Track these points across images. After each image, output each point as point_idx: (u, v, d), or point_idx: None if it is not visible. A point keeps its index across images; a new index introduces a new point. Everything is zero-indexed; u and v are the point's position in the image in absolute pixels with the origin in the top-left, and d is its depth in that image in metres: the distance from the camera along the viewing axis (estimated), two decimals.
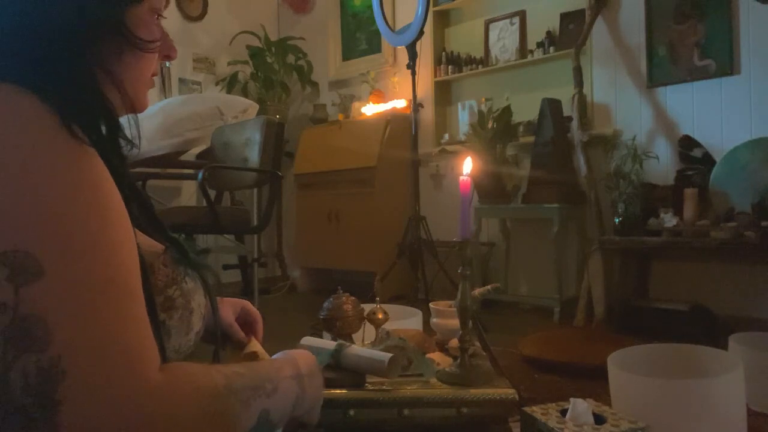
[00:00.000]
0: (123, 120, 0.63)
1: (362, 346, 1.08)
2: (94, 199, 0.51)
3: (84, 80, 0.56)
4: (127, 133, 0.63)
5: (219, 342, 0.80)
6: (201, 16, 4.07)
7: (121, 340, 0.48)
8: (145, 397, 0.48)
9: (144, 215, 0.67)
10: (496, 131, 2.95)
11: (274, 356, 0.74)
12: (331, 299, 1.16)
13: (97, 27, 0.58)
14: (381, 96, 3.77)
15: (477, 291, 1.10)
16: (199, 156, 3.28)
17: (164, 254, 0.64)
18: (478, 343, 1.18)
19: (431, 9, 3.27)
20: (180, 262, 0.65)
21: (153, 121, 2.92)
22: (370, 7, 3.54)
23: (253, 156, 2.77)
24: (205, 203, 2.53)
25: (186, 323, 0.64)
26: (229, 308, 0.95)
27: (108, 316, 0.48)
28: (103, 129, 0.58)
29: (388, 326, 1.17)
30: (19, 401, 0.45)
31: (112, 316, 0.49)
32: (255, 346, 0.93)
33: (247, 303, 0.99)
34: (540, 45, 3.18)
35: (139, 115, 0.66)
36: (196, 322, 0.66)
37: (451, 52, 3.61)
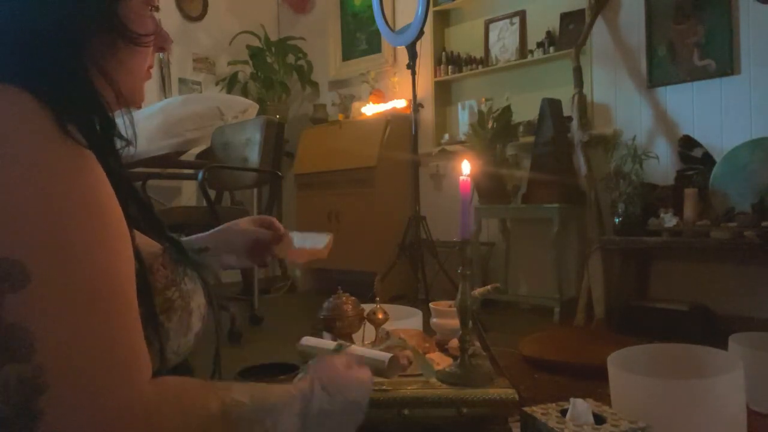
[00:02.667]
0: (119, 121, 0.62)
1: (362, 346, 1.07)
2: (87, 204, 0.49)
3: (78, 77, 0.55)
4: (123, 132, 0.62)
5: (219, 341, 0.79)
6: (201, 16, 4.07)
7: (108, 353, 0.47)
8: (129, 412, 0.47)
9: (142, 215, 0.66)
10: (496, 131, 2.95)
11: (300, 375, 0.69)
12: (331, 299, 1.16)
13: (90, 22, 0.57)
14: (381, 96, 3.77)
15: (477, 291, 1.10)
16: (199, 156, 3.28)
17: (163, 255, 0.63)
18: (478, 343, 1.18)
19: (431, 9, 3.28)
20: (179, 263, 0.65)
21: (153, 121, 2.92)
22: (370, 7, 3.54)
23: (253, 156, 2.77)
24: (205, 203, 2.53)
25: (185, 325, 0.63)
26: (248, 221, 0.97)
27: (96, 327, 0.47)
28: (98, 128, 0.57)
29: (388, 326, 1.17)
30: (1, 411, 0.44)
31: (100, 326, 0.47)
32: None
33: (270, 218, 1.00)
34: (540, 45, 3.18)
35: (139, 115, 0.66)
36: (195, 323, 0.65)
37: (451, 52, 3.61)
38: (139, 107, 0.68)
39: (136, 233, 0.59)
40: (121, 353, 0.48)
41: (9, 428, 0.44)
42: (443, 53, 3.63)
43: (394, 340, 1.08)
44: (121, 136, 0.61)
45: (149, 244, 0.63)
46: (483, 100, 3.29)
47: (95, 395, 0.46)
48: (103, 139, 0.57)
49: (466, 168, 1.06)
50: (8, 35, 0.53)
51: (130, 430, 0.47)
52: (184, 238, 0.93)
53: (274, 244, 0.96)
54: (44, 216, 0.47)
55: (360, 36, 4.14)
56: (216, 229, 0.96)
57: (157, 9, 0.65)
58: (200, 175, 2.50)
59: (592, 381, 1.58)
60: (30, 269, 0.45)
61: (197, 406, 0.53)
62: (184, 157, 3.21)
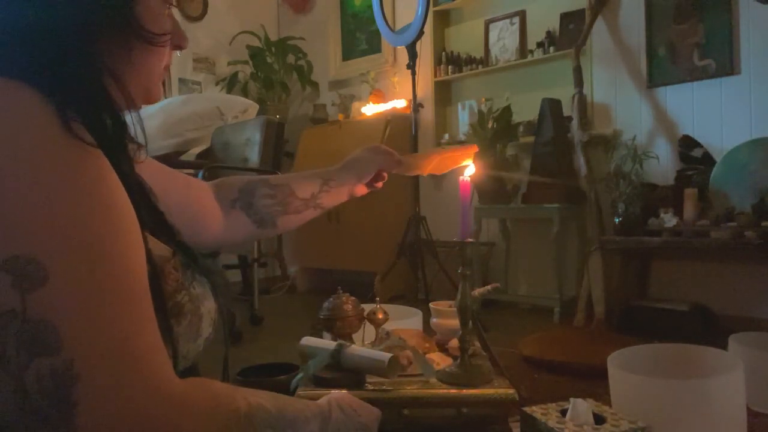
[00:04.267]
0: (129, 122, 0.61)
1: (362, 346, 1.07)
2: (97, 200, 0.50)
3: (90, 78, 0.55)
4: (134, 135, 0.61)
5: (227, 345, 0.78)
6: (201, 16, 4.07)
7: (132, 342, 0.48)
8: (163, 401, 0.48)
9: (153, 218, 0.65)
10: (496, 131, 2.95)
11: (321, 399, 0.73)
12: (331, 299, 1.16)
13: (105, 21, 0.56)
14: (381, 96, 3.77)
15: (477, 291, 1.10)
16: (199, 156, 3.28)
17: (173, 258, 0.62)
18: (478, 343, 1.17)
19: (431, 9, 3.27)
20: (188, 267, 0.64)
21: (153, 121, 2.92)
22: (370, 7, 3.54)
23: (253, 156, 2.78)
24: None
25: (195, 329, 0.63)
26: (368, 151, 1.10)
27: (117, 318, 0.48)
28: (109, 129, 0.56)
29: (388, 326, 1.17)
30: (36, 403, 0.45)
31: (121, 317, 0.48)
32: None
33: (384, 147, 1.11)
34: (540, 45, 3.18)
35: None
36: (205, 329, 0.65)
37: (451, 52, 3.61)
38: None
39: (149, 237, 0.58)
40: (146, 341, 0.49)
41: (47, 420, 0.45)
42: (443, 53, 3.63)
43: (394, 340, 1.08)
44: (132, 140, 0.60)
45: (159, 248, 0.62)
46: (483, 100, 3.28)
47: (125, 383, 0.47)
48: (113, 140, 0.56)
49: (468, 169, 1.06)
50: (19, 30, 0.53)
51: (163, 416, 0.48)
52: (310, 171, 1.07)
53: (392, 171, 1.11)
54: (55, 211, 0.47)
55: (360, 36, 4.14)
56: (346, 160, 1.09)
57: (173, 5, 0.64)
58: (200, 175, 2.50)
59: (592, 381, 1.58)
60: (47, 265, 0.45)
61: (226, 403, 0.55)
62: (184, 157, 3.21)
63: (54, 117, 0.49)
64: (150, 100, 0.65)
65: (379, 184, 1.12)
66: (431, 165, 1.13)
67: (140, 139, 0.62)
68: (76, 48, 0.54)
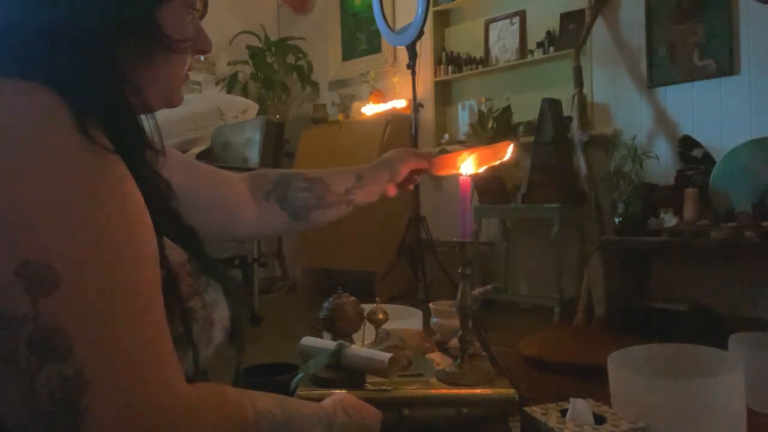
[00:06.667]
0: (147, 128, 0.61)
1: (362, 346, 1.07)
2: (111, 206, 0.49)
3: (108, 82, 0.54)
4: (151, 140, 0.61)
5: (239, 348, 0.78)
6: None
7: (142, 349, 0.48)
8: (171, 409, 0.48)
9: (171, 223, 0.64)
10: (496, 131, 2.95)
11: (326, 400, 0.74)
12: (331, 299, 1.16)
13: (126, 27, 0.55)
14: (381, 96, 3.77)
15: (477, 291, 1.10)
16: (199, 156, 3.28)
17: (189, 263, 0.61)
18: (478, 343, 1.17)
19: (431, 9, 3.28)
20: (203, 272, 0.63)
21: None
22: (370, 7, 3.54)
23: (253, 156, 2.78)
24: None
25: (206, 336, 0.62)
26: (399, 153, 1.10)
27: (128, 325, 0.48)
28: (128, 134, 0.55)
29: (388, 326, 1.17)
30: (45, 409, 0.45)
31: (132, 324, 0.48)
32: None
33: (413, 149, 1.12)
34: (540, 45, 3.18)
35: None
36: (217, 335, 0.64)
37: (451, 52, 3.61)
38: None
39: (167, 242, 0.58)
40: (157, 349, 0.49)
41: (56, 425, 0.45)
42: (443, 53, 3.63)
43: (394, 340, 1.08)
44: (151, 146, 0.59)
45: (176, 253, 0.62)
46: (483, 100, 3.29)
47: (136, 391, 0.47)
48: (131, 146, 0.55)
49: (465, 167, 1.06)
50: (38, 33, 0.52)
51: (171, 425, 0.48)
52: (343, 168, 1.07)
53: (425, 172, 1.11)
54: (69, 217, 0.46)
55: (360, 36, 4.14)
56: (379, 160, 1.10)
57: (197, 10, 0.63)
58: None
59: (592, 381, 1.58)
60: (59, 271, 0.45)
61: (235, 410, 0.55)
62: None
63: (71, 120, 0.48)
64: (170, 105, 0.65)
65: (410, 186, 1.12)
66: (464, 164, 1.11)
67: (156, 143, 0.61)
68: (95, 52, 0.53)
